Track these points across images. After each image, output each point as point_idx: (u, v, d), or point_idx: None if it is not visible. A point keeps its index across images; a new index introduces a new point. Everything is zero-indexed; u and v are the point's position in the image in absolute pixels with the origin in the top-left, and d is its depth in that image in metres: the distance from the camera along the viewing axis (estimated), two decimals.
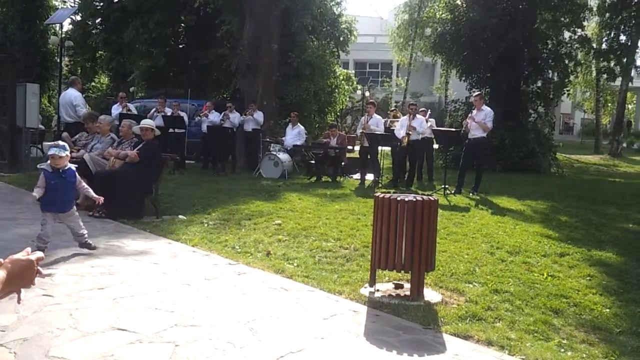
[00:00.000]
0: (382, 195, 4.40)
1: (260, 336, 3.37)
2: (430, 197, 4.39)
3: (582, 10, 18.20)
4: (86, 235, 5.20)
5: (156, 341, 3.18)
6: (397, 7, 34.56)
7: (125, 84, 25.25)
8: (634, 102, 35.80)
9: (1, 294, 1.76)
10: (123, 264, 4.74)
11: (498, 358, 3.31)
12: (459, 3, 17.05)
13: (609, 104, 30.85)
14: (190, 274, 4.68)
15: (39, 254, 1.89)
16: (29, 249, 1.92)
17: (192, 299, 4.00)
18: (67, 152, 4.94)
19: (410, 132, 11.10)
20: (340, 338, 3.44)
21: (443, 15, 17.51)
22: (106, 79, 34.07)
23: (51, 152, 4.80)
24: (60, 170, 4.84)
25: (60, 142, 5.02)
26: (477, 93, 10.90)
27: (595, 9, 21.87)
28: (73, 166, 5.18)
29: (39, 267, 1.87)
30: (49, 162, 4.99)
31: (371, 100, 13.90)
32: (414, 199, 4.26)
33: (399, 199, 4.26)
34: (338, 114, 27.05)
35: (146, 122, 7.67)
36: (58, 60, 26.30)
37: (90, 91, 35.22)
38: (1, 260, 1.87)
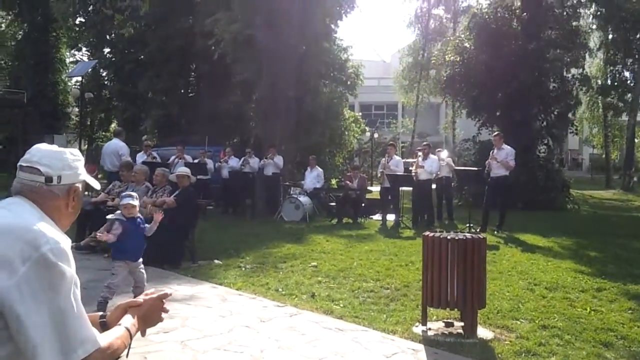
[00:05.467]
0: (431, 235, 4.56)
1: None
2: (479, 235, 4.54)
3: (582, 49, 18.73)
4: (146, 287, 5.26)
5: None
6: (401, 50, 35.41)
7: (138, 132, 25.76)
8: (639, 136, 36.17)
9: (134, 334, 1.93)
10: (179, 309, 4.87)
11: None
12: (468, 46, 17.57)
13: (617, 139, 31.21)
14: (244, 316, 4.81)
15: (166, 291, 2.06)
16: (151, 290, 2.09)
17: (255, 340, 4.12)
18: (138, 202, 5.12)
19: (416, 172, 11.43)
20: None
21: (452, 57, 18.00)
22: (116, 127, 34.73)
23: (126, 201, 4.87)
24: (135, 218, 4.97)
25: (132, 193, 5.18)
26: (496, 132, 11.18)
27: (597, 47, 22.49)
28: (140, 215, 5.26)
29: (165, 305, 2.04)
30: (119, 212, 5.09)
31: (391, 142, 14.18)
32: (464, 237, 4.42)
33: (449, 237, 4.42)
34: (347, 155, 27.45)
35: (182, 170, 7.89)
36: (77, 111, 26.85)
37: (100, 140, 35.84)
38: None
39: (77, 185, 1.82)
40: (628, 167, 25.85)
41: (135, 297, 5.02)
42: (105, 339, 1.73)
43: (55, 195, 1.76)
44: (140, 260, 5.06)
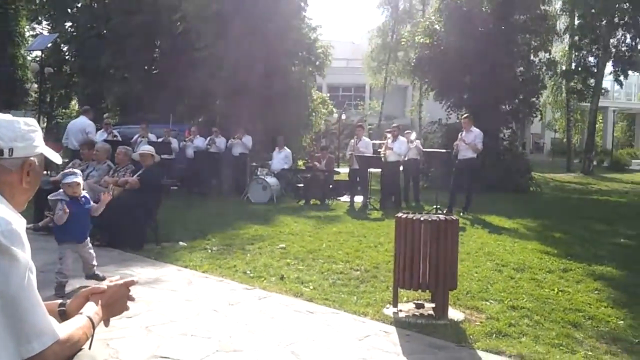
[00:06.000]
0: (404, 216, 4.49)
1: (304, 359, 3.39)
2: (452, 217, 4.50)
3: (550, 33, 18.95)
4: (96, 266, 5.11)
5: None
6: (371, 31, 35.26)
7: (99, 110, 25.00)
8: (600, 121, 37.08)
9: (97, 324, 1.77)
10: (142, 292, 4.69)
11: None
12: (438, 28, 17.54)
13: (579, 124, 31.93)
14: (212, 299, 4.67)
15: (132, 279, 1.91)
16: (116, 277, 1.94)
17: (223, 325, 4.00)
18: (82, 180, 4.88)
19: (385, 153, 11.43)
20: (383, 358, 3.49)
21: (422, 39, 17.95)
22: (76, 105, 33.68)
23: (70, 179, 4.66)
24: (79, 198, 4.75)
25: (74, 170, 4.94)
26: (465, 115, 11.21)
27: (562, 31, 22.79)
28: (85, 193, 5.08)
29: (130, 293, 1.89)
30: (61, 190, 4.86)
31: (360, 124, 14.13)
32: (437, 219, 4.37)
33: (422, 219, 4.37)
34: (314, 136, 27.34)
35: (146, 148, 7.63)
36: (36, 87, 25.86)
37: (60, 117, 34.73)
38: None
39: (32, 158, 1.61)
40: (589, 151, 26.46)
41: (86, 277, 4.85)
42: (64, 330, 1.57)
43: (6, 169, 1.56)
44: (88, 239, 4.89)
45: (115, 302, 1.84)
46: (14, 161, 1.59)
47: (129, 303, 1.88)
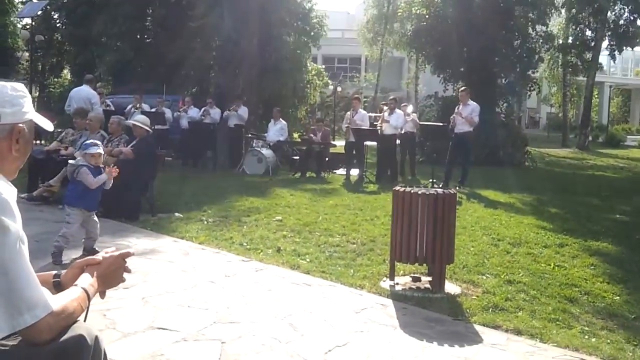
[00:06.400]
0: (402, 189, 4.45)
1: (301, 331, 3.39)
2: (450, 190, 4.47)
3: (547, 6, 18.72)
4: (96, 240, 5.07)
5: (201, 339, 3.17)
6: (366, 1, 34.71)
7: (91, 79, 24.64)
8: (596, 96, 37.00)
9: (92, 296, 1.74)
10: (139, 263, 4.66)
11: (533, 346, 3.42)
12: None
13: (575, 99, 31.82)
14: (208, 271, 4.66)
15: (127, 250, 1.86)
16: (112, 249, 1.89)
17: (221, 296, 3.99)
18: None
19: (381, 126, 11.34)
20: (379, 331, 3.49)
21: (418, 10, 17.69)
22: (69, 74, 33.22)
23: (94, 150, 4.70)
24: (99, 167, 4.76)
25: (94, 141, 4.92)
26: (463, 88, 11.10)
27: (560, 4, 22.52)
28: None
29: (127, 265, 1.85)
30: (79, 159, 4.86)
31: (356, 96, 13.97)
32: (435, 193, 4.33)
33: (419, 192, 4.33)
34: (309, 108, 27.14)
35: (139, 119, 7.52)
36: (27, 55, 25.45)
37: (52, 86, 34.26)
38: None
39: (21, 125, 1.56)
40: (584, 126, 26.44)
41: (86, 250, 4.82)
42: (58, 301, 1.53)
43: None
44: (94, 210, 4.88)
45: (111, 274, 1.81)
46: (2, 127, 1.53)
47: (125, 274, 1.84)
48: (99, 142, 4.92)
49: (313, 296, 4.14)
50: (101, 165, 4.85)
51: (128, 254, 1.85)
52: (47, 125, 1.68)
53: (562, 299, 4.34)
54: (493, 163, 14.95)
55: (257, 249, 5.52)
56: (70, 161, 5.08)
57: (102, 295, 1.84)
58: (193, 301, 3.82)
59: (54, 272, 1.81)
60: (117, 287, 1.82)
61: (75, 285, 1.68)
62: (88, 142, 5.00)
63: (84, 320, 1.68)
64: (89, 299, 1.69)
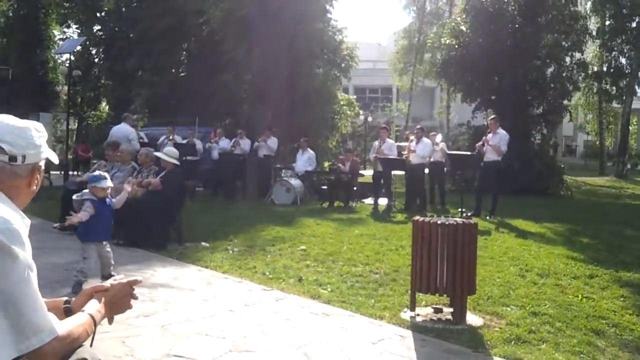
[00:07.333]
0: (421, 219, 4.43)
1: None
2: (470, 221, 4.43)
3: (582, 34, 18.55)
4: (113, 266, 5.15)
5: None
6: (396, 32, 35.09)
7: (128, 112, 25.42)
8: (634, 123, 36.15)
9: (99, 321, 1.80)
10: (161, 292, 4.75)
11: None
12: (464, 29, 17.35)
13: (612, 126, 31.18)
14: (229, 300, 4.69)
15: (136, 278, 1.93)
16: (121, 276, 1.96)
17: (239, 325, 4.01)
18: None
19: (408, 156, 11.31)
20: None
21: (448, 40, 17.78)
22: (106, 106, 34.37)
23: (104, 184, 4.78)
24: (105, 199, 4.86)
25: (102, 173, 5.04)
26: (493, 116, 11.04)
27: (595, 32, 22.30)
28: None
29: (134, 292, 1.91)
30: (87, 191, 4.98)
31: (384, 125, 14.02)
32: (455, 223, 4.30)
33: (439, 222, 4.30)
34: (340, 138, 27.28)
35: (169, 151, 7.71)
36: (66, 90, 26.49)
37: (91, 119, 35.47)
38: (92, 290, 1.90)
39: (40, 164, 1.70)
40: (622, 154, 25.83)
41: (102, 278, 4.92)
42: (64, 326, 1.60)
43: (17, 175, 1.63)
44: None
45: (119, 300, 1.86)
46: (25, 167, 1.66)
47: (133, 302, 1.89)
48: (107, 175, 5.02)
49: (331, 326, 4.13)
50: (108, 197, 4.90)
51: (136, 282, 1.92)
52: (54, 158, 1.80)
53: (588, 331, 4.20)
54: (528, 193, 14.69)
55: (279, 278, 5.54)
56: (74, 197, 5.18)
57: (110, 321, 1.90)
58: (211, 329, 3.85)
59: (65, 298, 1.88)
60: (136, 309, 1.88)
61: (82, 311, 1.74)
62: (96, 174, 5.09)
63: (90, 345, 1.74)
64: (96, 324, 1.75)
